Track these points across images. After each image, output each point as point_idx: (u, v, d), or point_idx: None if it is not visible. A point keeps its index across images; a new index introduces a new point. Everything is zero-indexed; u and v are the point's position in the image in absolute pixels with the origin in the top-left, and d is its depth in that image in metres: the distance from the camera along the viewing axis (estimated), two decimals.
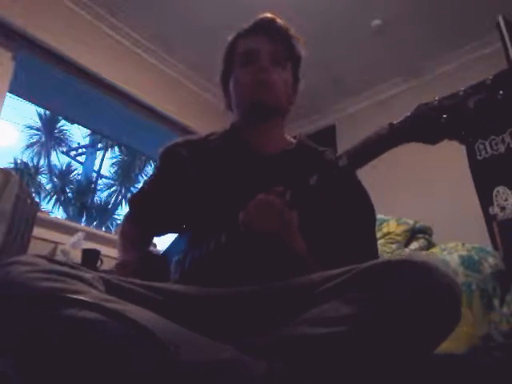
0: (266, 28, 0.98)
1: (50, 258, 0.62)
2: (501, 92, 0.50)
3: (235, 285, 0.73)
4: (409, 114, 0.63)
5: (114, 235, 2.59)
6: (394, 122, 0.65)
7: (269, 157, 0.95)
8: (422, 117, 0.61)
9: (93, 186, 10.01)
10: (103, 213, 9.61)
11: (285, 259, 0.77)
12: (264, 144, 0.97)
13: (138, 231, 1.04)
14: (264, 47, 0.96)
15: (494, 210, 2.47)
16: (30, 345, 0.50)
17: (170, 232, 1.12)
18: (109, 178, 10.19)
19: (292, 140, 1.04)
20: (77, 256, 2.00)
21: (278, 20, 0.99)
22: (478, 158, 2.66)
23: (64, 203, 9.45)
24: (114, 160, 10.20)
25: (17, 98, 4.26)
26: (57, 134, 9.86)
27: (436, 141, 0.60)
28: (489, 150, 2.64)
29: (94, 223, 9.43)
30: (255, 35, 0.98)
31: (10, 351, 0.51)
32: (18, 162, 9.30)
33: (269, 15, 1.00)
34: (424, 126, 0.60)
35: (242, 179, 0.90)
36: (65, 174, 9.84)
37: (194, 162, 0.96)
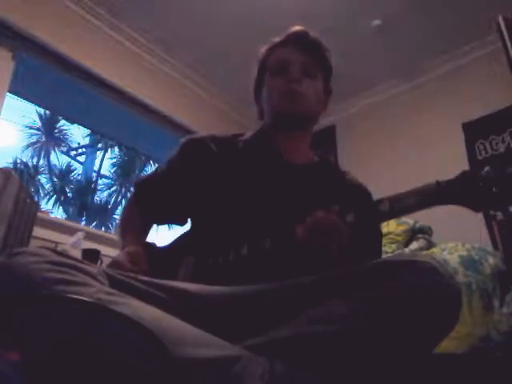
0: (297, 40, 1.00)
1: (56, 250, 0.62)
2: None
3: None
4: (455, 177, 0.66)
5: (114, 235, 2.59)
6: (441, 182, 0.67)
7: (297, 167, 0.96)
8: (471, 184, 0.64)
9: (93, 185, 10.00)
10: (103, 213, 9.60)
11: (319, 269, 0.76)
12: (292, 153, 0.98)
13: (140, 217, 1.03)
14: (295, 58, 0.98)
15: None
16: (31, 335, 0.50)
17: (170, 223, 1.11)
18: (109, 178, 10.19)
19: (312, 153, 1.05)
20: (77, 256, 1.99)
21: (310, 33, 1.01)
22: (478, 157, 2.66)
23: (64, 203, 9.45)
24: (114, 160, 10.21)
25: (17, 97, 4.25)
26: (57, 134, 9.85)
27: (481, 209, 0.65)
28: (489, 149, 2.64)
29: (94, 223, 9.44)
30: (287, 47, 1.00)
31: (12, 342, 0.51)
32: (18, 162, 9.30)
33: (301, 28, 1.02)
34: (473, 194, 0.64)
35: (271, 187, 0.90)
36: (65, 173, 9.83)
37: (222, 159, 0.96)
